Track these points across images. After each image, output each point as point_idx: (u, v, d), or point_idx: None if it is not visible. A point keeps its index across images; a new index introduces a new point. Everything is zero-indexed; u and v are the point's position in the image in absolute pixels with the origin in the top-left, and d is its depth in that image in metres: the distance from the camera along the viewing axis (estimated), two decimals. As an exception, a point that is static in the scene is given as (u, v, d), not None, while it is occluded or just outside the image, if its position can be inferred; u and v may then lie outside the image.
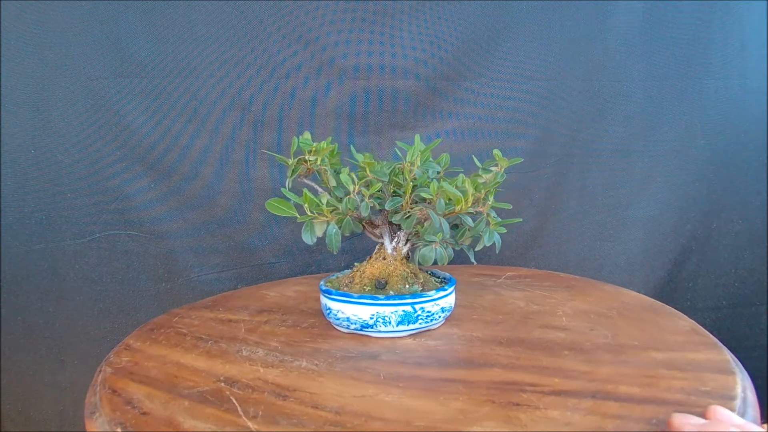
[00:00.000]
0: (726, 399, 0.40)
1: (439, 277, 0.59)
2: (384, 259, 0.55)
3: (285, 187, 0.54)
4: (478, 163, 0.58)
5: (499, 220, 0.55)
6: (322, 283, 0.56)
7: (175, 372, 0.46)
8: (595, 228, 1.00)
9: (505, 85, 0.92)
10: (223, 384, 0.43)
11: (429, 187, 0.53)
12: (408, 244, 0.56)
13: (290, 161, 0.54)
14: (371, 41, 0.87)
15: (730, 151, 1.01)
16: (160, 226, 0.85)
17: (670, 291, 1.03)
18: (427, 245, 0.52)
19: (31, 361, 0.85)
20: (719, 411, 0.34)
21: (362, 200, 0.52)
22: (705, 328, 0.53)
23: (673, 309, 0.61)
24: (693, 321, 0.57)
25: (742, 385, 0.42)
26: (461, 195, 0.50)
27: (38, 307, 0.83)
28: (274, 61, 0.85)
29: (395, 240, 0.56)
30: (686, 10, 0.96)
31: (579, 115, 0.96)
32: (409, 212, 0.52)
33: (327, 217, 0.51)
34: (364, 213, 0.51)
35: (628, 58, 0.96)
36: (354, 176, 0.52)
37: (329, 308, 0.54)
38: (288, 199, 0.52)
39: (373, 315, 0.51)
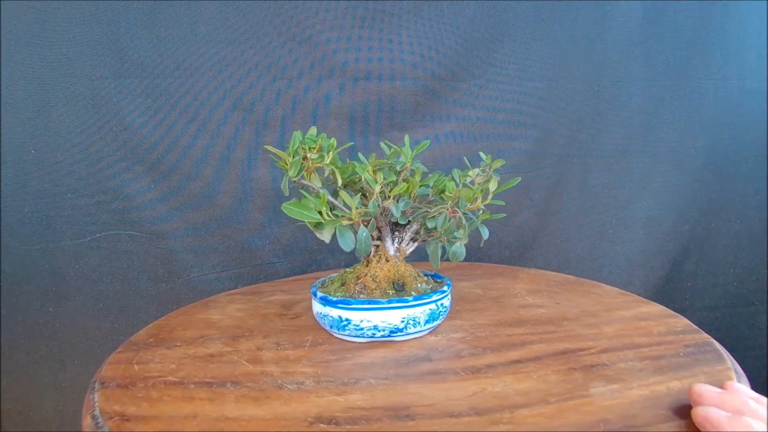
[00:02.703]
0: (693, 332, 0.52)
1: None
2: (387, 260, 0.54)
3: (281, 187, 0.51)
4: (468, 164, 0.58)
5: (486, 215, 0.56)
6: (323, 296, 0.52)
7: (239, 428, 0.38)
8: (595, 228, 1.00)
9: (505, 86, 0.93)
10: (323, 425, 0.37)
11: (430, 186, 0.53)
12: (414, 244, 0.56)
13: (290, 159, 0.50)
14: (371, 42, 0.87)
15: (729, 152, 1.02)
16: (160, 226, 0.85)
17: (669, 291, 1.04)
18: (455, 242, 0.53)
19: (31, 361, 0.85)
20: (736, 384, 0.38)
21: (382, 201, 0.50)
22: (703, 327, 0.53)
23: (590, 280, 0.73)
24: (612, 287, 0.69)
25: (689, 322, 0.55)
26: (477, 193, 0.51)
27: (38, 307, 0.83)
28: (274, 62, 0.85)
29: (396, 240, 0.55)
30: (686, 10, 0.96)
31: (579, 115, 0.96)
32: (426, 211, 0.52)
33: (354, 220, 0.49)
34: (397, 213, 0.50)
35: (628, 59, 0.96)
36: (381, 176, 0.50)
37: (347, 320, 0.50)
38: (303, 201, 0.49)
39: (404, 318, 0.50)
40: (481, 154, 0.58)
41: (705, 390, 0.36)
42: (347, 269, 0.57)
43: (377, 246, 0.55)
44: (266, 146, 0.50)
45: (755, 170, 1.02)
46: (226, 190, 0.86)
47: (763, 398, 0.36)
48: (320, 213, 0.49)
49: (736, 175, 1.02)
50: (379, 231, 0.55)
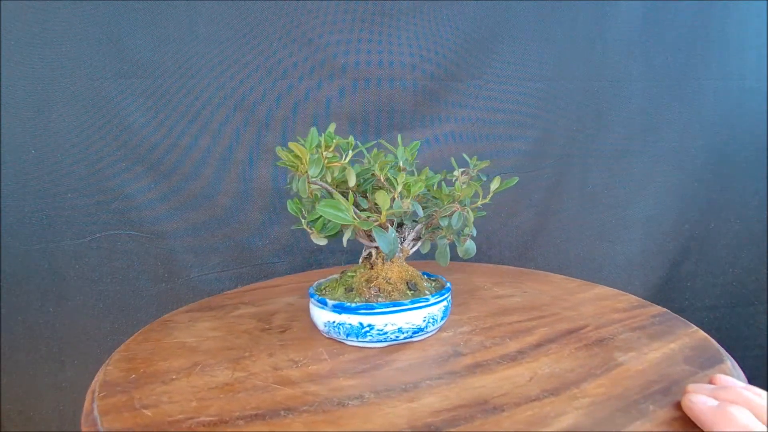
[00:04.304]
0: (648, 305, 0.60)
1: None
2: (392, 261, 0.53)
3: (297, 188, 0.48)
4: (455, 165, 0.58)
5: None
6: (338, 304, 0.50)
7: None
8: (595, 228, 1.00)
9: (505, 86, 0.93)
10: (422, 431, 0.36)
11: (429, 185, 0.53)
12: (419, 243, 0.56)
13: (307, 157, 0.47)
14: (370, 44, 0.87)
15: (728, 151, 1.02)
16: (160, 226, 0.85)
17: (668, 290, 1.04)
18: (464, 239, 0.54)
19: (31, 361, 0.85)
20: (723, 378, 0.40)
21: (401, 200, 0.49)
22: (703, 327, 0.53)
23: (534, 270, 0.78)
24: (559, 275, 0.74)
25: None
26: (477, 189, 0.51)
27: (38, 307, 0.83)
28: (275, 62, 0.85)
29: (399, 240, 0.55)
30: (686, 10, 0.96)
31: (578, 115, 0.96)
32: (435, 210, 0.51)
33: (382, 221, 0.47)
34: (421, 213, 0.50)
35: (628, 59, 0.96)
36: (404, 175, 0.49)
37: (369, 325, 0.48)
38: (337, 202, 0.46)
39: (425, 317, 0.50)
40: (465, 156, 0.58)
41: (698, 387, 0.37)
42: (348, 273, 0.54)
43: (377, 248, 0.54)
44: (291, 144, 0.47)
45: (755, 170, 1.02)
46: (226, 190, 0.86)
47: (756, 389, 0.36)
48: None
49: (736, 175, 1.02)
50: None
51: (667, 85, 0.98)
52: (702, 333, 0.52)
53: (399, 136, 0.58)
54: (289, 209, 0.50)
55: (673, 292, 1.04)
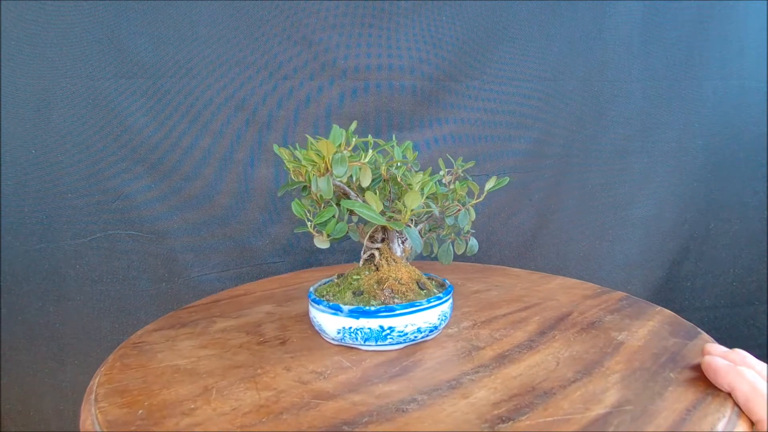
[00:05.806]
0: (610, 291, 0.64)
1: None
2: (396, 262, 0.52)
3: (320, 189, 0.46)
4: (442, 165, 0.57)
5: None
6: (355, 309, 0.48)
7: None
8: (595, 228, 1.00)
9: (505, 87, 0.93)
10: (503, 424, 0.36)
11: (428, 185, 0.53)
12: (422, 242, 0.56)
13: (330, 157, 0.45)
14: (369, 47, 0.87)
15: (728, 152, 1.02)
16: (161, 225, 0.85)
17: (668, 290, 1.04)
18: (468, 237, 0.54)
19: (31, 361, 0.85)
20: (738, 350, 0.44)
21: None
22: (703, 327, 0.53)
23: (495, 265, 0.81)
24: (517, 268, 0.78)
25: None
26: (473, 186, 0.52)
27: (38, 307, 0.84)
28: (275, 63, 0.85)
29: (401, 240, 0.55)
30: (685, 10, 0.96)
31: (578, 115, 0.96)
32: (447, 209, 0.52)
33: (405, 221, 0.46)
34: (438, 213, 0.50)
35: (627, 59, 0.96)
36: (420, 174, 0.49)
37: (390, 328, 0.47)
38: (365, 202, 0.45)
39: (440, 315, 0.50)
40: (449, 156, 0.58)
41: (715, 347, 0.44)
42: (352, 275, 0.53)
43: (379, 249, 0.53)
44: (320, 141, 0.45)
45: (754, 170, 1.03)
46: (226, 190, 0.87)
47: (759, 361, 0.42)
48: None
49: (735, 174, 1.03)
50: (384, 232, 0.53)
51: (667, 85, 0.98)
52: (668, 311, 0.56)
53: (394, 136, 0.58)
54: (293, 211, 0.48)
55: (673, 292, 1.04)
